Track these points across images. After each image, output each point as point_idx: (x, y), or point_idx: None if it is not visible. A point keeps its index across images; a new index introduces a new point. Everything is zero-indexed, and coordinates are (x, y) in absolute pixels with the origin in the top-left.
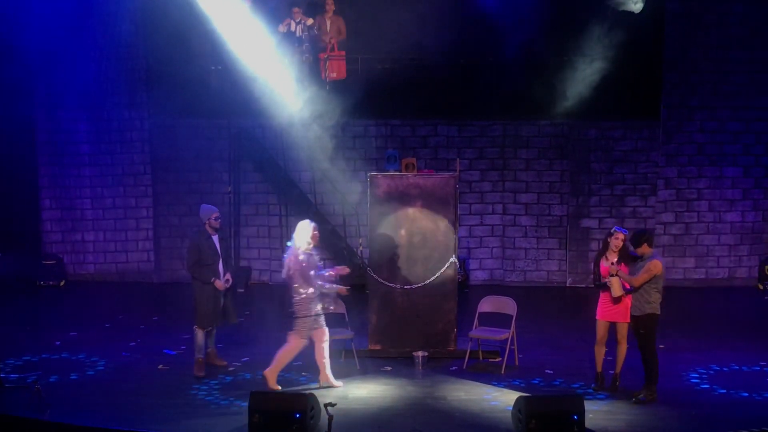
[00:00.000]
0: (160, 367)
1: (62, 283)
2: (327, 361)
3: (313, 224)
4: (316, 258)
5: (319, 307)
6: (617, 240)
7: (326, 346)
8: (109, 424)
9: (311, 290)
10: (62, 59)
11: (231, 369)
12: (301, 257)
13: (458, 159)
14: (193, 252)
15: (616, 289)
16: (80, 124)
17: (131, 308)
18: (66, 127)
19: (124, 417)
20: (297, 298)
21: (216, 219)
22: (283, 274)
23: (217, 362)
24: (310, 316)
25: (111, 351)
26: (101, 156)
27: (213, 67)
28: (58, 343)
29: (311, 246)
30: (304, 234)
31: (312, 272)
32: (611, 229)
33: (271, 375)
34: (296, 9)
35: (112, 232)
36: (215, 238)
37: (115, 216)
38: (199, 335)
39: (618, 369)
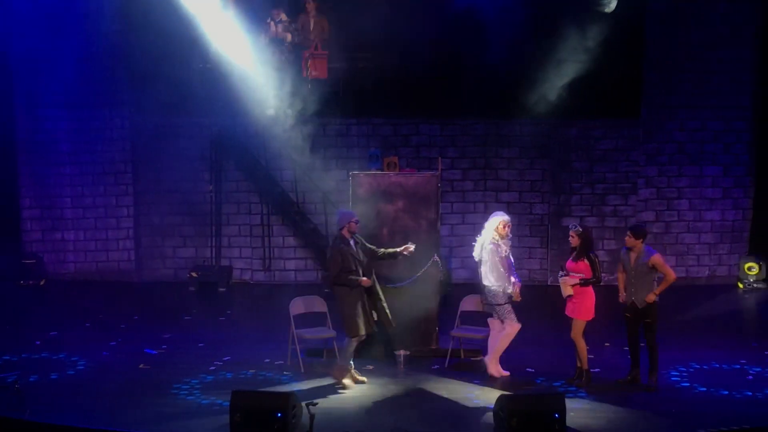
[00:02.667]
0: (141, 366)
1: (42, 282)
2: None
3: (504, 217)
4: (504, 249)
5: (509, 295)
6: (570, 238)
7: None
8: (90, 423)
9: (494, 280)
10: (43, 58)
11: (212, 369)
12: (490, 247)
13: (440, 158)
14: (337, 261)
15: (564, 290)
16: (61, 122)
17: (112, 307)
18: (46, 125)
19: (104, 416)
20: (491, 287)
21: (356, 223)
22: (480, 269)
23: (357, 378)
24: (508, 302)
25: (91, 350)
26: (82, 155)
27: (195, 67)
28: (38, 342)
29: (501, 238)
30: (491, 225)
31: (501, 263)
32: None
33: (496, 362)
34: (276, 10)
35: (93, 231)
36: (352, 242)
37: (96, 215)
38: (353, 344)
39: (584, 365)
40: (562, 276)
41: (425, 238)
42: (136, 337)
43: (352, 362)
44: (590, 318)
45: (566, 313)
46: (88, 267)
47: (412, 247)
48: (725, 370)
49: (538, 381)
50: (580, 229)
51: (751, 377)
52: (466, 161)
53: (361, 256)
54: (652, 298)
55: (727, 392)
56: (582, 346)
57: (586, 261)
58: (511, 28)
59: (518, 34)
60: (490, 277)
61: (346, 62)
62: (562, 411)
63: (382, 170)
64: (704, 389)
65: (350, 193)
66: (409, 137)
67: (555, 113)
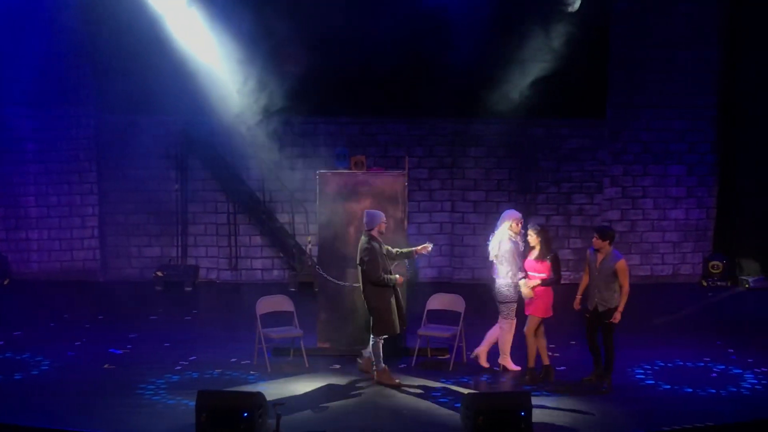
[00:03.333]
0: (106, 366)
1: (6, 282)
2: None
3: (515, 215)
4: (518, 246)
5: (518, 293)
6: (528, 237)
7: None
8: (54, 424)
9: (510, 277)
10: (7, 54)
11: (178, 368)
12: (509, 245)
13: (407, 157)
14: (377, 262)
15: (524, 291)
16: (25, 120)
17: (76, 307)
18: (10, 123)
19: (69, 417)
20: (499, 282)
21: (385, 223)
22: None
23: (391, 381)
24: (513, 301)
25: (56, 350)
26: (46, 153)
27: (160, 64)
28: (1, 342)
29: (514, 235)
30: (506, 224)
31: (511, 260)
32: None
33: (506, 359)
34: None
35: (57, 230)
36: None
37: (60, 214)
38: (380, 344)
39: (542, 360)
40: (520, 278)
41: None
42: (101, 337)
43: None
44: (547, 316)
45: (525, 311)
46: (53, 266)
47: (430, 246)
48: (689, 367)
49: (504, 379)
50: (539, 227)
51: (714, 375)
52: (433, 160)
53: (392, 254)
54: (618, 317)
55: (691, 390)
56: (532, 342)
57: (547, 261)
58: (478, 27)
59: (485, 33)
60: (506, 274)
61: (312, 60)
62: (528, 409)
63: (349, 169)
64: (668, 387)
65: (317, 192)
66: (377, 136)
67: (521, 112)
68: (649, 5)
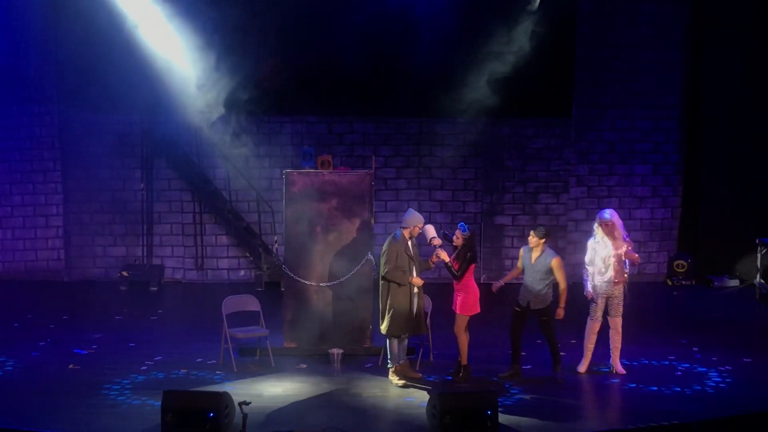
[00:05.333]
0: (71, 366)
1: None
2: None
3: (600, 216)
4: (603, 247)
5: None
6: (455, 237)
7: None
8: (19, 425)
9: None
10: None
11: (143, 369)
12: (591, 245)
13: (374, 156)
14: (392, 257)
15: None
16: None
17: (41, 307)
18: None
19: (33, 417)
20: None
21: (420, 229)
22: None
23: (411, 374)
24: (622, 298)
25: (20, 351)
26: (9, 152)
27: (125, 63)
28: None
29: (602, 236)
30: (596, 222)
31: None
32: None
33: (615, 361)
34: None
35: (21, 230)
36: (409, 244)
37: (24, 213)
38: (395, 343)
39: (463, 360)
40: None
41: (359, 237)
42: (65, 337)
43: (403, 361)
44: (474, 313)
45: (453, 308)
46: (17, 266)
47: (442, 253)
48: (654, 366)
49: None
50: (469, 234)
51: (679, 373)
52: (399, 159)
53: (417, 257)
54: (561, 313)
55: (656, 388)
56: (463, 341)
57: (459, 261)
58: (444, 26)
59: (451, 33)
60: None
61: (279, 60)
62: (494, 408)
63: (315, 168)
64: (634, 385)
65: (284, 192)
66: (343, 135)
67: (488, 112)
68: (614, 6)
